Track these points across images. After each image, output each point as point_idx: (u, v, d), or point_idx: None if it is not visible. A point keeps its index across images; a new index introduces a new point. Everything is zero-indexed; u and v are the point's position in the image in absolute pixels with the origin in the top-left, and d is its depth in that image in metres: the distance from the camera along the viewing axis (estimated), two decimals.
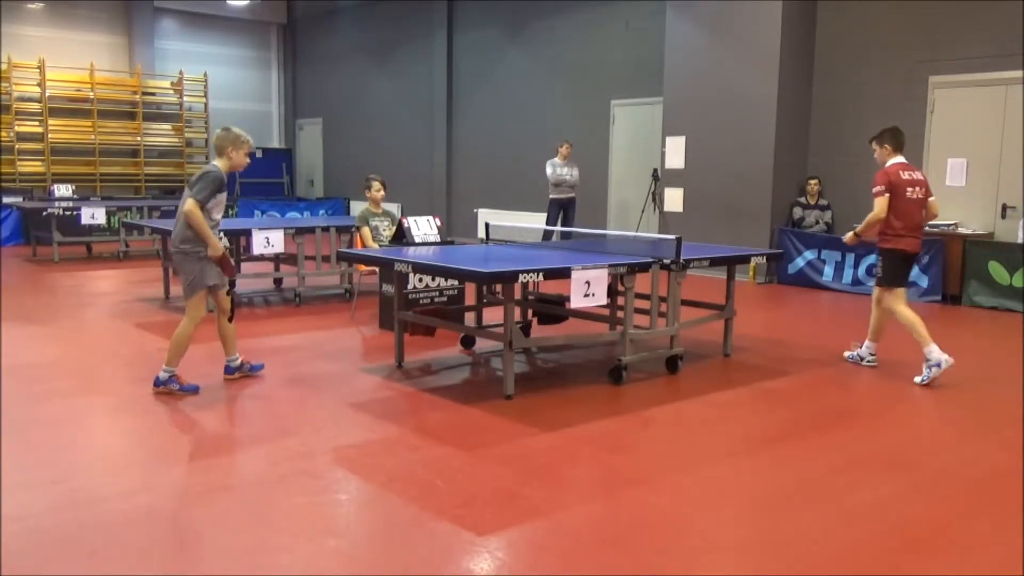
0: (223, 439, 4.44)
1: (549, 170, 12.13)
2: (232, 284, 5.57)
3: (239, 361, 5.48)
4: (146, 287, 9.46)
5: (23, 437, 4.32)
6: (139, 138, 17.81)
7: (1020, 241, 8.87)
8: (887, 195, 5.72)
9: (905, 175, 5.79)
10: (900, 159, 5.89)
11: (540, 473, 3.95)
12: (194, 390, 5.11)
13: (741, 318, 6.83)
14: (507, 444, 4.35)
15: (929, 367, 5.66)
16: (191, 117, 18.74)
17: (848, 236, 6.18)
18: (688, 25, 11.28)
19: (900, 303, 5.85)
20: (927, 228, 9.50)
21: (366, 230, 7.70)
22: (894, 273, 5.83)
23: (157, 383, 5.10)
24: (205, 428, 4.57)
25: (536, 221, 13.16)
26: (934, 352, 5.65)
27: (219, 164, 5.15)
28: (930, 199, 5.94)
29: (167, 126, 18.48)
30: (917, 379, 5.70)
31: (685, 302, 6.08)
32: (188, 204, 4.96)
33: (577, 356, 6.49)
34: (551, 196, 12.27)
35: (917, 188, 5.80)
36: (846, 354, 6.29)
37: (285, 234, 8.14)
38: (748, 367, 6.21)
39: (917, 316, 5.75)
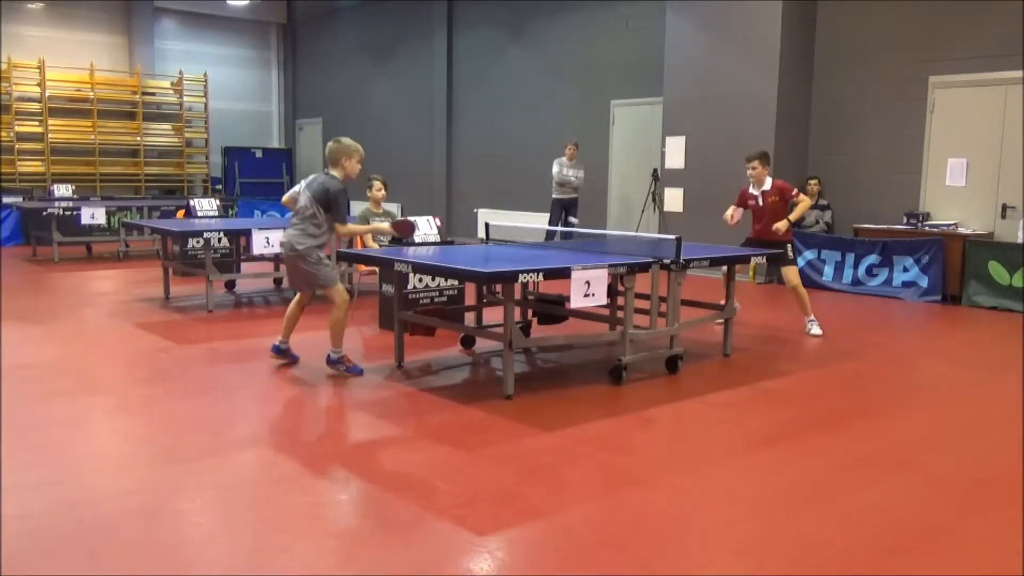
0: (223, 439, 4.43)
1: (555, 169, 12.13)
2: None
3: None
4: (146, 287, 9.46)
5: (23, 437, 4.32)
6: (139, 138, 17.82)
7: (1020, 241, 8.87)
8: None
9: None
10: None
11: (540, 473, 3.95)
12: (358, 371, 5.56)
13: (741, 318, 6.83)
14: (507, 444, 4.35)
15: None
16: (191, 117, 18.75)
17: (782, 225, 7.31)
18: (688, 25, 11.28)
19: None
20: (927, 228, 9.61)
21: None
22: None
23: (329, 361, 5.57)
24: (205, 428, 4.56)
25: (536, 221, 13.17)
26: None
27: (336, 174, 5.37)
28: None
29: (167, 126, 18.49)
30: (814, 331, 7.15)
31: (685, 302, 6.08)
32: (340, 230, 5.51)
33: (577, 356, 6.49)
34: (554, 196, 12.28)
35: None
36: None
37: (285, 234, 8.09)
38: (748, 367, 6.21)
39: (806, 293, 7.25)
